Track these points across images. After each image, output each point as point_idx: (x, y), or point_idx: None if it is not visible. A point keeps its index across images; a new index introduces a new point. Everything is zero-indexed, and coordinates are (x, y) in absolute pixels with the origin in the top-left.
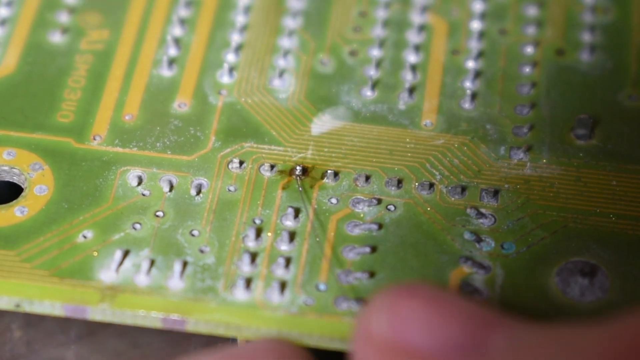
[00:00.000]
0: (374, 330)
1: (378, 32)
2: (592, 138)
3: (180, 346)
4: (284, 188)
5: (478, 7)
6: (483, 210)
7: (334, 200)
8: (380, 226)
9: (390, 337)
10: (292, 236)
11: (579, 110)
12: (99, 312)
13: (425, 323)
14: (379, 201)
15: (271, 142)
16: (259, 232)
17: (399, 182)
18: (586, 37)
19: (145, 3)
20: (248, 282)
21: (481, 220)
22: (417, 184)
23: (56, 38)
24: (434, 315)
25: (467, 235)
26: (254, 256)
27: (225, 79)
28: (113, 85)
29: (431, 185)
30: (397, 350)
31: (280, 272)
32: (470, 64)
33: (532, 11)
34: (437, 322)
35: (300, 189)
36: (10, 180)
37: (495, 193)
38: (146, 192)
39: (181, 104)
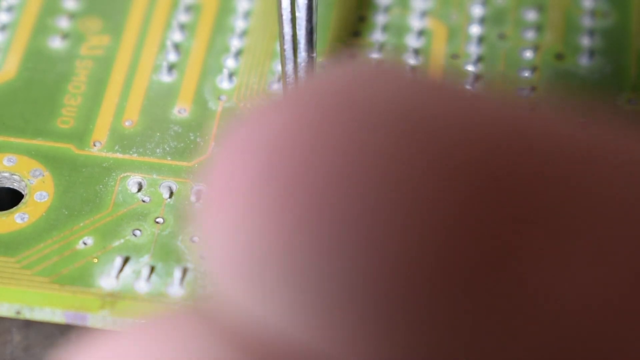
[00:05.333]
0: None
1: (377, 36)
2: None
3: None
4: None
5: (477, 11)
6: None
7: None
8: None
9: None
10: None
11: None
12: (99, 319)
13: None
14: None
15: None
16: None
17: None
18: (585, 41)
19: (145, 8)
20: None
21: None
22: None
23: (56, 43)
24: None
25: None
26: None
27: (225, 85)
28: (113, 91)
29: None
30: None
31: None
32: (470, 69)
33: (531, 16)
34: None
35: None
36: (11, 187)
37: None
38: (146, 199)
39: (181, 110)
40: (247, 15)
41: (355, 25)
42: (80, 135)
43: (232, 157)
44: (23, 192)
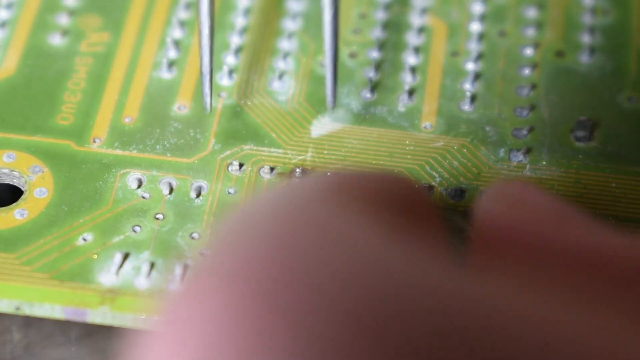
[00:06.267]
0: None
1: (378, 34)
2: (592, 140)
3: None
4: None
5: (478, 8)
6: None
7: None
8: None
9: None
10: None
11: (579, 112)
12: (99, 315)
13: None
14: None
15: (271, 144)
16: None
17: None
18: (586, 38)
19: (145, 5)
20: None
21: None
22: (416, 186)
23: (56, 40)
24: None
25: None
26: None
27: (225, 81)
28: (113, 88)
29: (430, 187)
30: None
31: None
32: (470, 66)
33: (531, 13)
34: None
35: None
36: (10, 183)
37: None
38: (146, 195)
39: (181, 107)
40: (247, 12)
41: (355, 22)
42: (80, 132)
43: (167, 343)
44: (23, 189)
